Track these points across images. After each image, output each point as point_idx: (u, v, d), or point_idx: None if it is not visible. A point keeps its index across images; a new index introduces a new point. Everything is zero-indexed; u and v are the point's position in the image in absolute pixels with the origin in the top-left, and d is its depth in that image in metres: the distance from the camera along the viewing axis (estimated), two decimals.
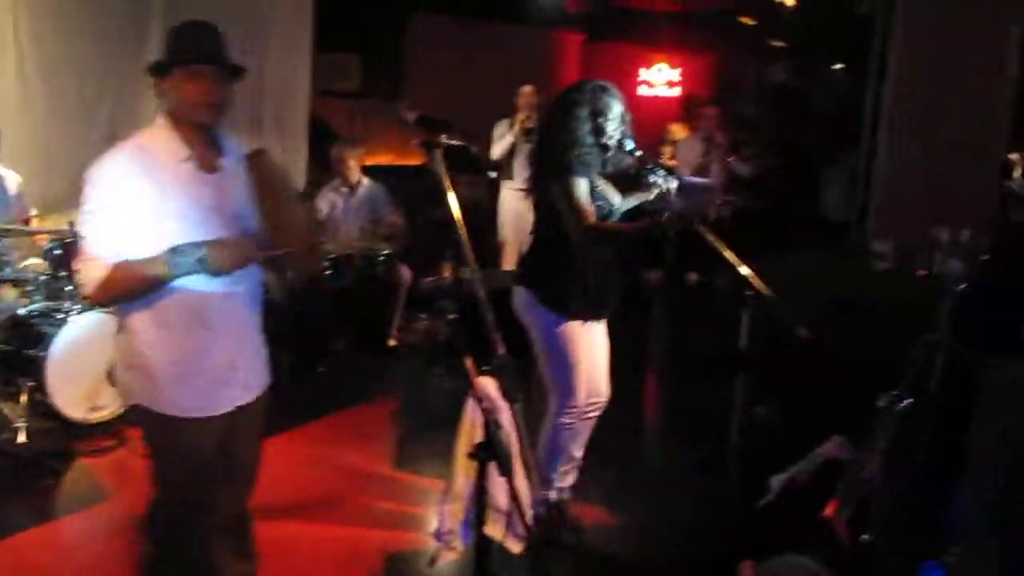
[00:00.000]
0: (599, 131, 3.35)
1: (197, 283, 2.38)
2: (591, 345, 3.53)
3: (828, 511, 2.00)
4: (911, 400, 2.89)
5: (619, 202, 3.46)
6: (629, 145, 3.38)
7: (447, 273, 7.13)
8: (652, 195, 3.45)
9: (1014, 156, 5.69)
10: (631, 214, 3.55)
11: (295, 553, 3.62)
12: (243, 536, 2.83)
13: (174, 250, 2.29)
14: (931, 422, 3.11)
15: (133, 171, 2.35)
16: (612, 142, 3.37)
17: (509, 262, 6.83)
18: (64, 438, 4.47)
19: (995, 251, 4.99)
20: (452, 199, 2.24)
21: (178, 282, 2.35)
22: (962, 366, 3.25)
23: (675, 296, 6.66)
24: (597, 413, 3.65)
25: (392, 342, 6.16)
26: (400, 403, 5.34)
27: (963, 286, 3.59)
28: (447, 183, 2.21)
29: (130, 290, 2.37)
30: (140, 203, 2.33)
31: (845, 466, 2.79)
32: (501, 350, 2.10)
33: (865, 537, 2.21)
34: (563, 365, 3.48)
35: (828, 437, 3.36)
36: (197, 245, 2.30)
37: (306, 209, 2.61)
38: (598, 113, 3.34)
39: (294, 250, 2.52)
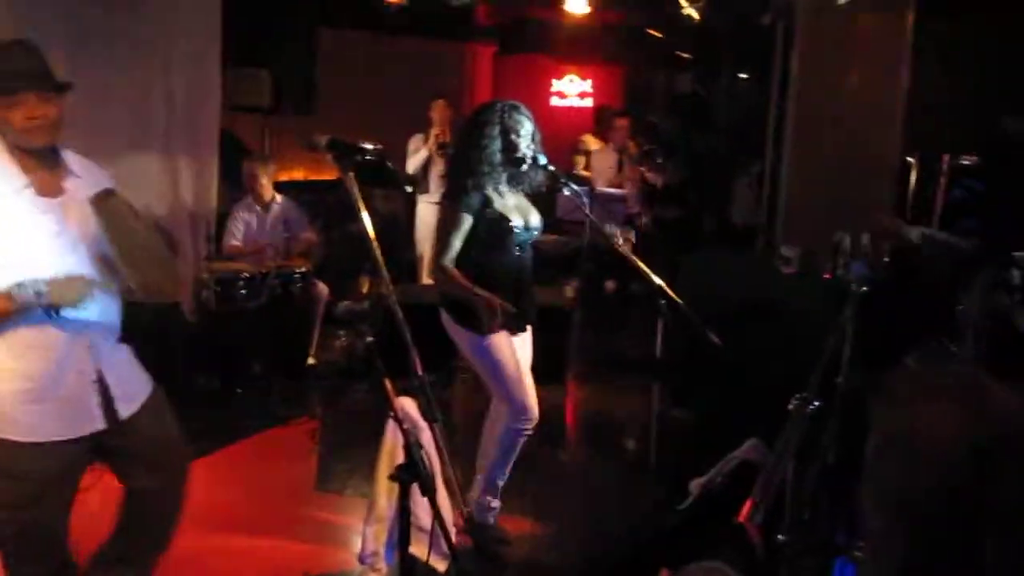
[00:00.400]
0: (509, 149, 3.42)
1: (43, 315, 2.35)
2: (515, 353, 3.60)
3: (742, 515, 2.06)
4: (819, 402, 2.99)
5: (535, 222, 3.55)
6: (542, 160, 3.46)
7: (364, 288, 7.09)
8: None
9: (911, 159, 5.94)
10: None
11: (217, 571, 3.57)
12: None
13: (18, 285, 2.26)
14: (838, 422, 3.22)
15: None
16: (525, 159, 3.44)
17: (427, 276, 6.83)
18: None
19: (895, 254, 5.20)
20: (367, 220, 2.24)
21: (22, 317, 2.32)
22: (866, 367, 3.38)
23: (593, 304, 6.76)
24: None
25: (311, 360, 6.09)
26: (320, 422, 5.28)
27: (865, 288, 3.73)
28: (361, 206, 2.22)
29: None
30: None
31: (760, 469, 2.87)
32: (420, 370, 2.11)
33: (780, 538, 2.29)
34: (500, 378, 3.56)
35: (744, 440, 3.46)
36: (36, 281, 2.27)
37: (159, 243, 2.59)
38: (508, 131, 3.41)
39: (150, 285, 2.53)
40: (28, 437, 2.43)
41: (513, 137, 3.43)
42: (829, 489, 3.13)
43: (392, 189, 7.75)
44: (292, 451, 4.87)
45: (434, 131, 6.79)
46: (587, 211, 3.43)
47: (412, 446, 1.91)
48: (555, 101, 10.96)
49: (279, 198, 6.13)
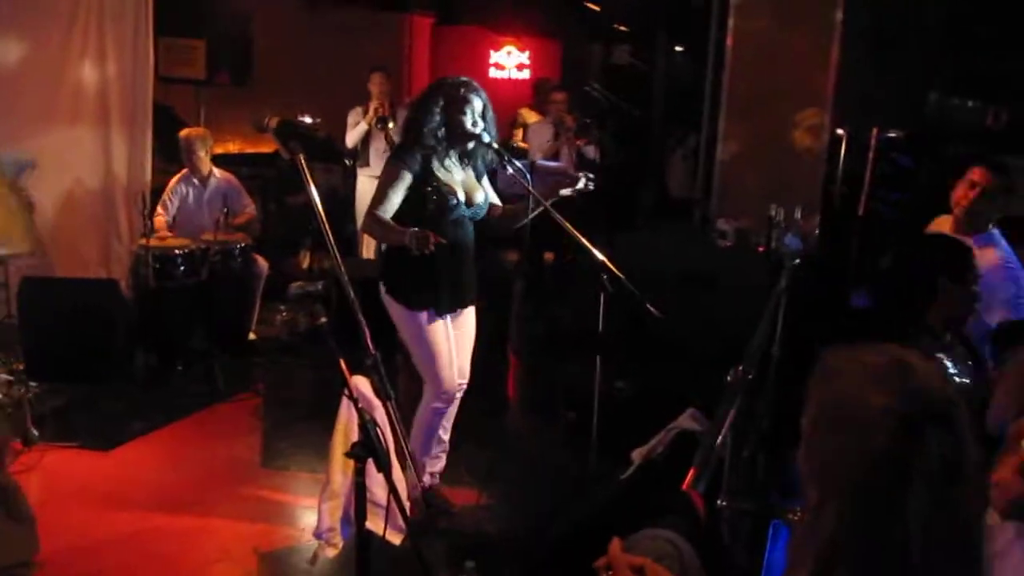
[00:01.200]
0: (456, 125, 3.46)
1: None
2: (448, 333, 3.64)
3: (686, 483, 2.16)
4: (755, 372, 3.11)
5: (479, 199, 3.60)
6: (486, 138, 3.51)
7: (305, 263, 7.06)
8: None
9: (841, 131, 6.11)
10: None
11: (165, 553, 3.57)
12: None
13: None
14: (773, 391, 3.35)
15: None
16: (472, 136, 3.48)
17: (367, 250, 6.83)
18: None
19: (824, 227, 5.38)
20: (317, 200, 2.26)
21: None
22: (799, 337, 3.51)
23: (533, 276, 6.83)
24: (460, 395, 3.77)
25: (252, 336, 6.06)
26: (264, 397, 5.28)
27: (797, 261, 3.85)
28: (312, 186, 2.24)
29: None
30: None
31: (699, 437, 2.98)
32: (372, 349, 2.15)
33: (719, 503, 2.40)
34: (424, 354, 3.61)
35: (682, 410, 3.57)
36: None
37: (21, 200, 2.70)
38: (457, 107, 3.44)
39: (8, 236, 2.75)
40: None
41: (461, 114, 3.46)
42: (764, 455, 3.26)
43: (331, 163, 7.69)
44: (236, 428, 4.86)
45: (373, 104, 6.76)
46: (530, 187, 3.47)
47: (367, 423, 1.96)
48: (493, 73, 10.94)
49: (217, 172, 6.05)
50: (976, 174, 3.55)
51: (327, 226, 2.24)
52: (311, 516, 3.85)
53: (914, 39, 5.58)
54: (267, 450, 4.57)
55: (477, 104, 3.51)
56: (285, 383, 5.51)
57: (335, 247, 2.20)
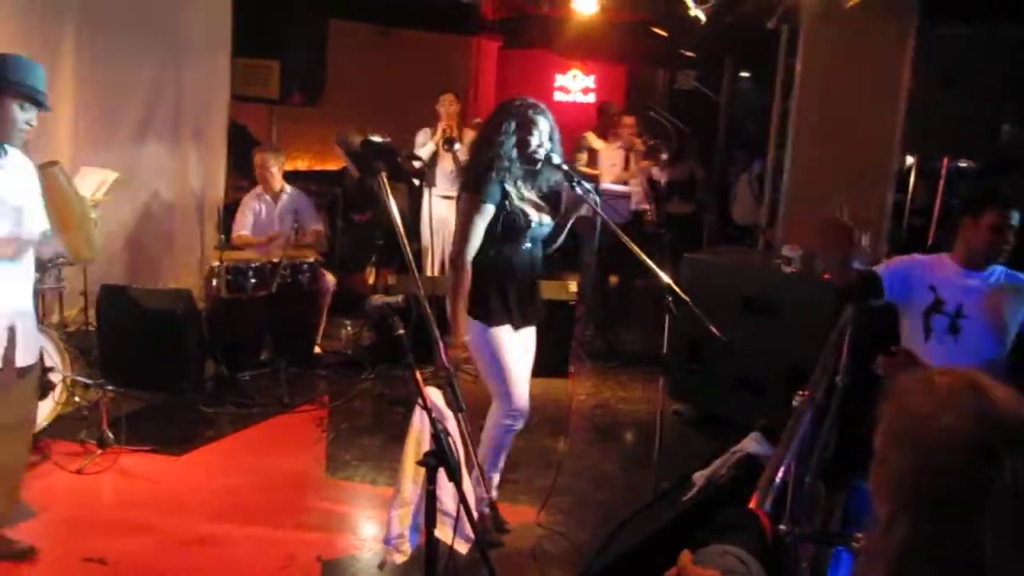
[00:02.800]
0: (525, 146, 3.51)
1: None
2: (520, 351, 3.69)
3: (752, 504, 2.17)
4: (820, 397, 3.10)
5: (547, 219, 3.65)
6: (556, 159, 3.55)
7: (371, 279, 7.18)
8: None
9: (910, 160, 6.05)
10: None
11: (232, 558, 3.66)
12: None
13: None
14: (837, 419, 3.33)
15: None
16: (539, 157, 3.53)
17: (431, 268, 6.92)
18: None
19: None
20: (397, 218, 2.34)
21: None
22: (865, 364, 3.48)
23: (596, 299, 6.86)
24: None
25: (317, 349, 6.19)
26: (328, 409, 5.38)
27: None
28: (392, 205, 2.31)
29: None
30: None
31: (763, 461, 2.97)
32: (446, 362, 2.21)
33: (782, 527, 2.39)
34: (497, 370, 3.64)
35: (745, 434, 3.56)
36: None
37: (87, 212, 3.19)
38: (526, 128, 3.50)
39: (71, 244, 3.17)
40: None
41: (529, 135, 3.52)
42: (828, 481, 3.24)
43: (399, 182, 7.82)
44: (301, 439, 4.95)
45: (441, 125, 6.87)
46: (598, 209, 3.51)
47: (439, 433, 2.01)
48: (558, 96, 11.05)
49: (288, 188, 6.21)
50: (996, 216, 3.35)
51: (406, 244, 2.31)
52: (374, 527, 3.93)
53: (986, 69, 5.51)
54: (331, 461, 4.66)
55: (544, 125, 3.56)
56: (349, 396, 5.61)
57: (412, 264, 2.27)
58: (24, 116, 3.03)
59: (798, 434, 2.73)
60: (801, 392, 3.00)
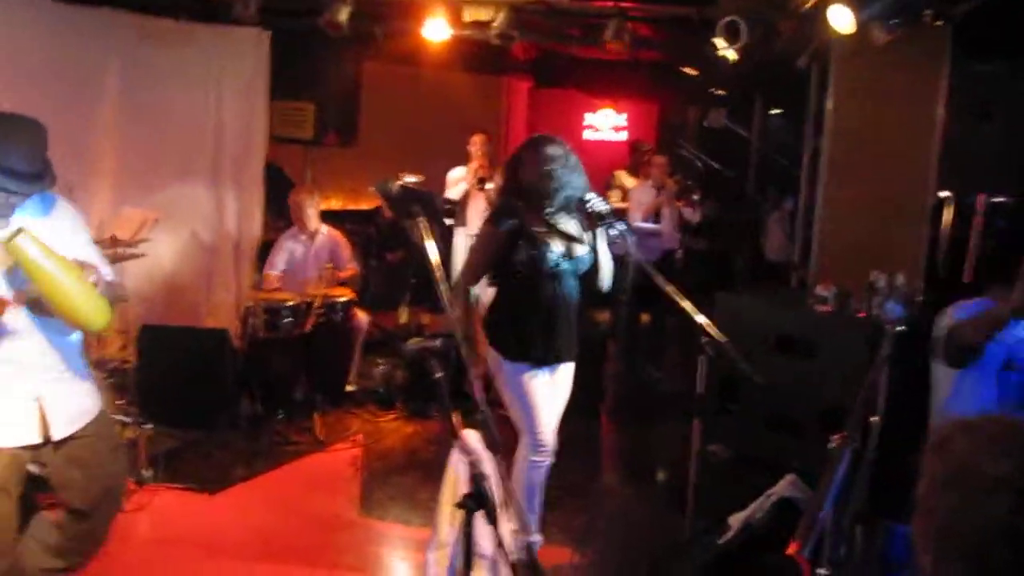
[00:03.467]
0: (560, 186, 3.53)
1: None
2: (547, 388, 3.69)
3: (791, 548, 2.15)
4: (858, 440, 3.07)
5: (579, 253, 3.65)
6: (594, 201, 3.55)
7: (403, 318, 7.23)
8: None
9: (945, 196, 6.01)
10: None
11: None
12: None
13: None
14: (875, 461, 3.29)
15: None
16: (567, 194, 3.55)
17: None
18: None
19: (928, 293, 5.27)
20: (434, 260, 2.37)
21: None
22: (902, 406, 3.45)
23: (627, 337, 6.86)
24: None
25: (350, 387, 6.23)
26: (361, 448, 5.40)
27: (901, 328, 3.79)
28: (430, 247, 2.35)
29: None
30: None
31: (801, 505, 2.95)
32: (482, 403, 2.22)
33: (821, 572, 2.37)
34: (523, 406, 3.64)
35: (782, 477, 3.53)
36: None
37: (77, 278, 2.70)
38: (543, 163, 3.53)
39: (69, 318, 2.75)
40: None
41: (565, 176, 3.54)
42: (867, 526, 3.19)
43: (432, 222, 7.89)
44: (335, 477, 4.97)
45: (473, 165, 6.93)
46: (632, 249, 3.52)
47: (477, 476, 2.02)
48: (588, 134, 11.12)
49: (324, 228, 6.29)
50: None
51: (444, 284, 2.34)
52: (407, 567, 3.93)
53: (1022, 103, 5.49)
54: (365, 500, 4.67)
55: (567, 159, 3.58)
56: (382, 434, 5.62)
57: (447, 299, 2.29)
58: None
59: (835, 477, 2.70)
60: (838, 434, 2.98)
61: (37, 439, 2.89)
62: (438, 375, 2.11)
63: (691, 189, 7.16)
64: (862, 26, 4.84)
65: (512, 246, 3.56)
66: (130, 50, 6.28)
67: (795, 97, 7.20)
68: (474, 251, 3.58)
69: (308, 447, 5.32)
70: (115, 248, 5.43)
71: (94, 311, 2.74)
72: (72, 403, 3.00)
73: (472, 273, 3.56)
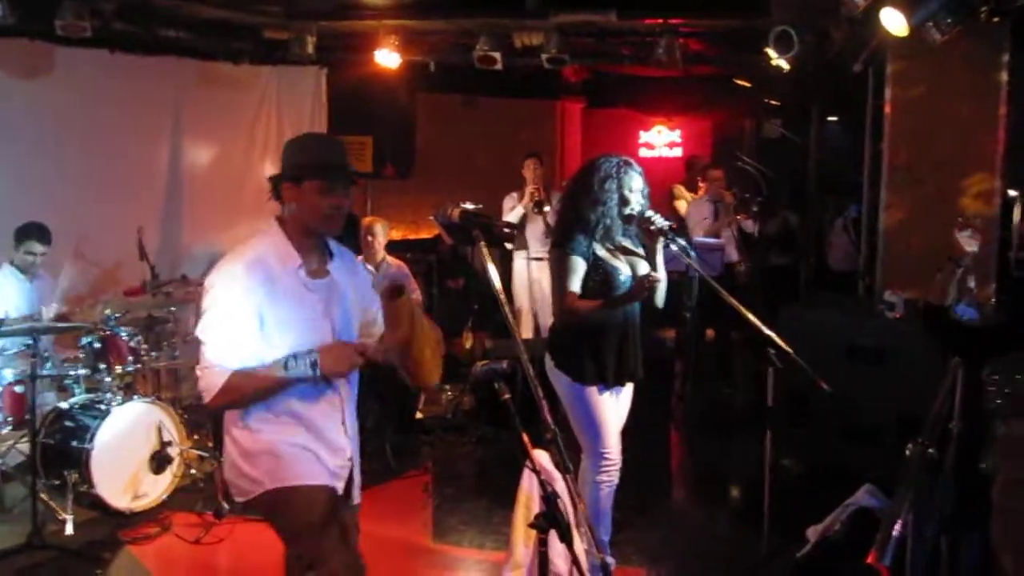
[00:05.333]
0: (623, 203, 3.55)
1: (306, 390, 2.53)
2: (613, 407, 3.69)
3: (870, 559, 2.11)
4: (936, 448, 3.00)
5: (644, 271, 3.64)
6: (655, 217, 3.56)
7: (467, 344, 7.28)
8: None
9: (1014, 194, 5.87)
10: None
11: None
12: None
13: (293, 356, 2.45)
14: (954, 467, 3.21)
15: (251, 279, 2.46)
16: (636, 214, 3.57)
17: (524, 330, 6.98)
18: (110, 527, 4.58)
19: (1000, 295, 5.15)
20: (497, 283, 2.41)
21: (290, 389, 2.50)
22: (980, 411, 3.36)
23: (695, 354, 6.80)
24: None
25: (419, 415, 6.28)
26: (432, 475, 5.44)
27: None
28: (493, 272, 2.39)
29: (248, 396, 2.50)
30: (256, 310, 2.45)
31: (879, 514, 2.89)
32: (551, 423, 2.24)
33: None
34: (591, 428, 3.64)
35: (855, 488, 3.47)
36: (309, 351, 2.46)
37: (436, 338, 2.76)
38: (622, 186, 3.54)
39: (417, 377, 2.77)
40: (310, 480, 2.58)
41: (626, 192, 3.56)
42: (949, 534, 3.12)
43: (492, 247, 7.95)
44: (407, 504, 5.02)
45: (529, 189, 6.98)
46: (696, 266, 3.52)
47: (549, 495, 2.04)
48: (643, 152, 11.10)
49: (389, 259, 6.38)
50: None
51: (507, 308, 2.37)
52: None
53: None
54: (437, 526, 4.70)
55: (640, 182, 3.60)
56: (452, 460, 5.66)
57: (514, 328, 2.32)
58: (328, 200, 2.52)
59: (914, 486, 2.65)
60: (915, 442, 2.92)
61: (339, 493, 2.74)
62: (506, 396, 2.13)
63: (749, 202, 7.10)
64: (916, 27, 4.77)
65: (586, 272, 3.57)
66: (191, 91, 6.52)
67: (852, 103, 7.11)
68: (559, 275, 3.55)
69: (381, 476, 5.36)
70: (187, 287, 5.60)
71: (438, 367, 2.87)
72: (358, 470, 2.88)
73: (568, 288, 3.53)
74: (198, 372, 2.50)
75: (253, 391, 2.48)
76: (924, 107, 5.61)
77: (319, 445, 2.60)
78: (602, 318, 3.60)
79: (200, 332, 2.48)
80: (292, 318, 2.51)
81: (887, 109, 5.78)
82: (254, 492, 2.59)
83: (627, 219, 3.60)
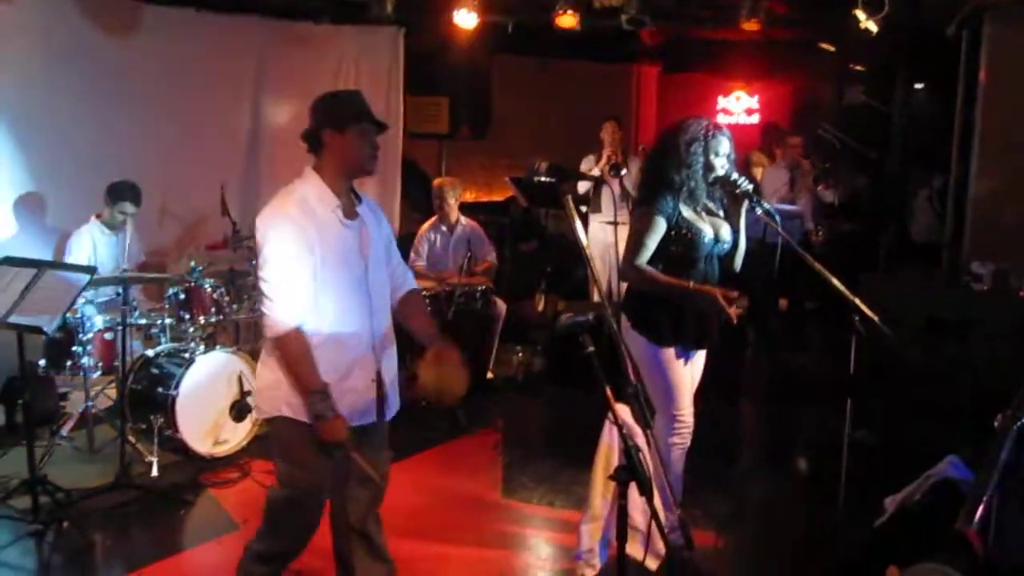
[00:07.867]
0: (708, 167, 3.50)
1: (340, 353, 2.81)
2: (687, 370, 3.68)
3: (959, 523, 2.07)
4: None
5: (725, 235, 3.60)
6: (740, 180, 3.52)
7: (540, 306, 7.30)
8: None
9: None
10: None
11: (414, 572, 3.77)
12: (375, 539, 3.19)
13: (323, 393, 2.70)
14: None
15: (299, 220, 2.75)
16: (722, 178, 3.52)
17: (597, 293, 6.97)
18: (192, 471, 4.75)
19: None
20: (583, 237, 2.40)
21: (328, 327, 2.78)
22: None
23: (767, 323, 6.71)
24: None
25: (490, 375, 6.33)
26: (501, 434, 5.49)
27: None
28: (579, 228, 2.38)
29: (290, 366, 2.75)
30: (308, 245, 2.72)
31: (961, 487, 2.83)
32: (633, 378, 2.24)
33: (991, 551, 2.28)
34: (666, 389, 3.62)
35: (933, 460, 3.40)
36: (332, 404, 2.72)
37: (462, 375, 3.07)
38: (709, 150, 3.49)
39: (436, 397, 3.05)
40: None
41: (713, 156, 3.51)
42: None
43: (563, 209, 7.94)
44: (477, 461, 5.08)
45: (606, 152, 6.93)
46: (779, 228, 3.46)
47: (630, 448, 2.04)
48: (721, 118, 10.90)
49: (463, 220, 6.42)
50: None
51: (591, 263, 2.37)
52: (550, 548, 3.99)
53: None
54: (507, 483, 4.74)
55: (727, 146, 3.54)
56: (522, 421, 5.71)
57: (599, 279, 2.32)
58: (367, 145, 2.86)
59: (1001, 456, 2.59)
60: (1004, 412, 2.84)
61: (373, 418, 2.99)
62: (590, 349, 2.14)
63: (828, 171, 6.95)
64: None
65: (665, 235, 3.53)
66: (266, 50, 6.60)
67: (942, 68, 6.86)
68: (640, 235, 3.51)
69: (451, 433, 5.44)
70: None
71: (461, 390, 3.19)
72: (395, 385, 3.13)
73: (641, 251, 3.49)
74: (262, 309, 2.75)
75: (295, 371, 2.73)
76: (1021, 73, 5.41)
77: (342, 389, 2.80)
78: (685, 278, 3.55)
79: (262, 284, 2.73)
80: (334, 251, 2.77)
81: (981, 75, 5.58)
82: (270, 414, 2.88)
83: (712, 182, 3.55)
